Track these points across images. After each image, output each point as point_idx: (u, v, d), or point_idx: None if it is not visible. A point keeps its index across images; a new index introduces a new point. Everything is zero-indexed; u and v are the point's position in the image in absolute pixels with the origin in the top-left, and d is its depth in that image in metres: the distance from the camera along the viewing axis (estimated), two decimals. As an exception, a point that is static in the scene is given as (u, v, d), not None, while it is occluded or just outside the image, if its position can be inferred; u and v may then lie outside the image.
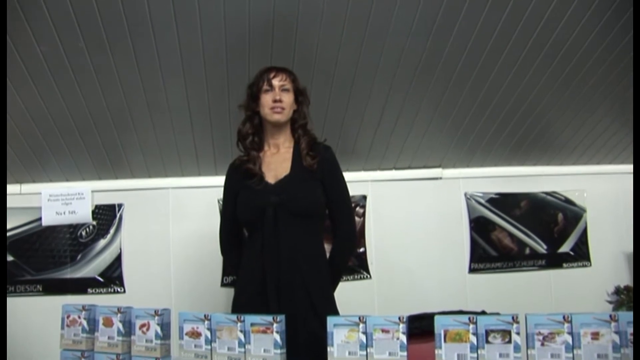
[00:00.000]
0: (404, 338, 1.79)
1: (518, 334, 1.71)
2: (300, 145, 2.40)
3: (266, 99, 2.37)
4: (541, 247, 3.87)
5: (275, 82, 2.38)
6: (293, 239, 2.30)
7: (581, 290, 3.71)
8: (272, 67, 2.44)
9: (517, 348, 1.71)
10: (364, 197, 3.78)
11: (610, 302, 3.02)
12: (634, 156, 3.69)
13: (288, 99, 2.39)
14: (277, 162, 2.41)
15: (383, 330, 1.80)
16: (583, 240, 3.94)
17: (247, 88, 2.45)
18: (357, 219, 3.63)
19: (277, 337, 1.88)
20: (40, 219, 3.64)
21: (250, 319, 1.92)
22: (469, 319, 1.74)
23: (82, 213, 3.66)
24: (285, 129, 2.44)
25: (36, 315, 3.45)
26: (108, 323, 2.16)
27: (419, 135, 3.52)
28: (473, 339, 1.74)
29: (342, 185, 2.44)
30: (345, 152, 3.40)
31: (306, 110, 2.47)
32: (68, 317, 2.22)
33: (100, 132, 3.26)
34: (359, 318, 1.82)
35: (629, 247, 3.84)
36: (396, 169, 3.81)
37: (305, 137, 2.42)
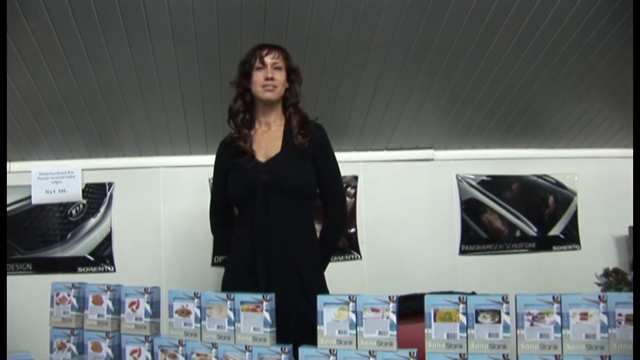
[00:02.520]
0: (393, 317, 1.79)
1: (508, 314, 1.72)
2: (291, 124, 2.39)
3: (258, 77, 2.36)
4: (531, 230, 3.89)
5: (268, 59, 2.37)
6: (283, 217, 2.30)
7: (570, 273, 3.72)
8: (264, 45, 2.42)
9: (506, 328, 1.72)
10: (356, 178, 3.77)
11: (598, 284, 3.03)
12: (633, 153, 3.70)
13: (280, 77, 2.38)
14: (267, 140, 2.40)
15: (373, 310, 1.81)
16: (573, 223, 3.96)
17: (239, 65, 2.44)
18: (348, 199, 3.63)
19: (267, 315, 1.88)
20: (30, 197, 3.62)
21: (240, 297, 1.92)
22: (459, 298, 1.75)
23: (72, 191, 3.64)
24: (276, 107, 2.43)
25: (26, 293, 3.44)
26: (97, 301, 2.15)
27: (412, 117, 3.51)
28: (463, 318, 1.74)
29: (333, 164, 2.44)
30: (337, 132, 3.38)
31: (298, 88, 2.46)
32: (57, 294, 2.22)
33: (90, 110, 3.24)
34: (349, 297, 1.82)
35: (619, 230, 3.87)
36: (388, 149, 3.80)
37: (296, 116, 2.41)
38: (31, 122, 3.28)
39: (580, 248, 3.93)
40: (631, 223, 3.71)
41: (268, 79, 2.34)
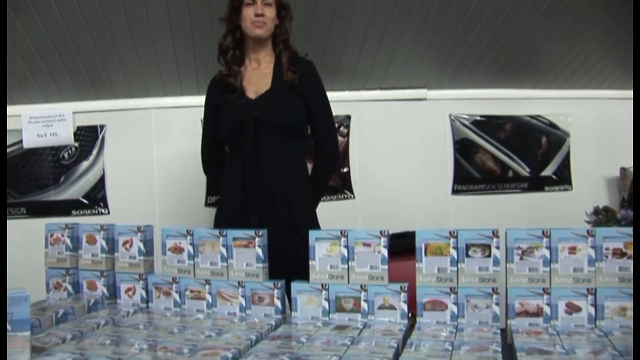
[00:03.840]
0: (385, 252, 1.81)
1: (498, 248, 1.74)
2: (281, 60, 2.37)
3: (248, 13, 2.32)
4: (524, 170, 3.90)
5: (258, -5, 2.33)
6: (274, 154, 2.30)
7: (561, 213, 3.73)
8: None
9: (496, 262, 1.74)
10: (348, 117, 3.76)
11: (588, 222, 3.06)
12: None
13: (270, 13, 2.35)
14: (257, 77, 2.38)
15: (364, 244, 1.82)
16: (565, 164, 3.96)
17: (229, 0, 2.39)
18: (341, 139, 3.63)
19: (259, 251, 1.90)
20: (21, 141, 3.61)
21: (232, 233, 1.94)
22: (450, 232, 1.77)
23: (64, 135, 3.63)
24: (266, 44, 2.41)
25: (21, 237, 3.45)
26: (91, 240, 2.17)
27: (405, 56, 3.47)
28: (453, 252, 1.76)
29: (324, 100, 2.43)
30: (330, 71, 3.35)
31: (288, 25, 2.43)
32: (51, 235, 2.24)
33: (79, 52, 3.19)
34: (341, 232, 1.83)
35: (610, 171, 3.88)
36: (381, 89, 3.77)
37: (286, 52, 2.39)
38: (20, 66, 3.23)
39: (572, 189, 3.95)
40: (623, 164, 3.73)
41: (258, 15, 2.31)
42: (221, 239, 1.95)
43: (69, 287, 2.19)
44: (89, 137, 3.67)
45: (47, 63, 3.25)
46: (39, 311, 1.90)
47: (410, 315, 1.81)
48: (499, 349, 1.49)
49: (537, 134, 3.94)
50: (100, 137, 3.66)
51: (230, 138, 2.39)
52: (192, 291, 2.00)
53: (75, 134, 3.64)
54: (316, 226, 2.36)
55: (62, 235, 2.21)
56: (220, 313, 1.95)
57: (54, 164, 3.65)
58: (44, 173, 3.66)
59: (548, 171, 3.93)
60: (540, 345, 1.50)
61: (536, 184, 3.92)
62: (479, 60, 3.55)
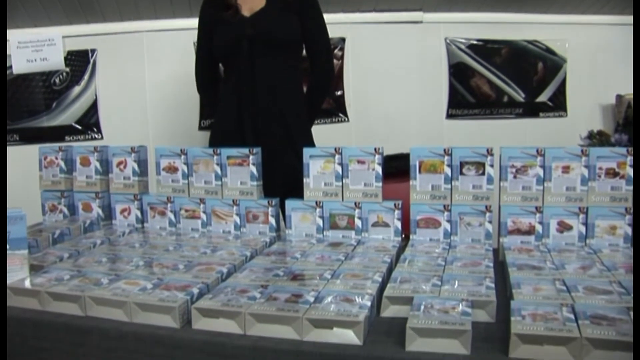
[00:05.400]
0: (379, 169, 1.81)
1: (492, 166, 1.75)
2: (276, -22, 2.32)
3: None
4: (519, 96, 3.88)
5: None
6: (269, 71, 2.28)
7: (556, 140, 3.74)
8: None
9: (490, 180, 1.75)
10: (343, 40, 3.70)
11: (582, 146, 3.07)
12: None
13: None
14: (252, -6, 2.33)
15: (359, 162, 1.83)
16: (561, 90, 3.93)
17: None
18: (335, 61, 3.58)
19: (254, 169, 1.90)
20: (10, 67, 3.54)
21: (226, 151, 1.94)
22: (444, 150, 1.77)
23: (54, 60, 3.57)
24: (260, -40, 2.35)
25: (15, 164, 3.42)
26: (85, 162, 2.17)
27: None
28: (447, 170, 1.77)
29: (320, 18, 2.40)
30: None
31: (283, -58, 2.36)
32: (45, 158, 2.24)
33: (66, -29, 3.11)
34: (335, 149, 1.83)
35: (606, 98, 3.86)
36: (376, 11, 3.69)
37: (281, -31, 2.33)
38: (6, -12, 3.14)
39: (566, 115, 3.94)
40: (619, 91, 3.70)
41: None
42: (215, 157, 1.95)
43: (65, 210, 2.20)
44: (80, 62, 3.61)
45: (34, -16, 3.16)
46: (36, 232, 1.92)
47: (403, 236, 1.83)
48: (491, 264, 1.51)
49: (534, 59, 3.89)
50: (91, 61, 3.61)
51: (225, 56, 2.36)
52: (186, 210, 2.02)
53: (65, 58, 3.58)
54: (311, 143, 2.36)
55: (56, 158, 2.21)
56: (215, 231, 1.98)
57: (45, 89, 3.61)
58: (36, 99, 3.61)
59: (543, 97, 3.91)
60: (531, 262, 1.52)
61: (531, 109, 3.90)
62: (476, -20, 3.47)
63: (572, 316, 1.12)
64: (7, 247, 1.51)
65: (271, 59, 2.28)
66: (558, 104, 3.92)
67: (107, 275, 1.48)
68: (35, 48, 3.55)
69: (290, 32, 2.32)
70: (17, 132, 3.60)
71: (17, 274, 1.51)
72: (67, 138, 3.61)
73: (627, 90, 3.58)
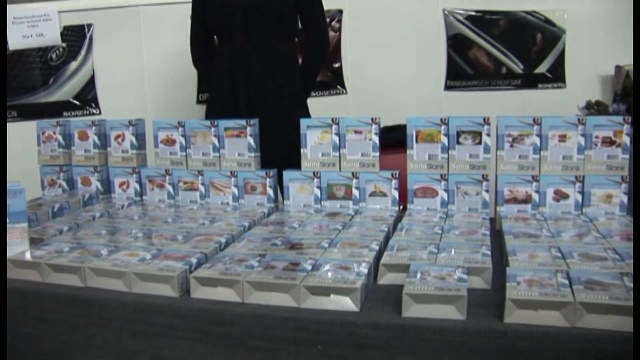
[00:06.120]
0: (376, 139, 1.82)
1: (488, 135, 1.75)
2: (270, -53, 2.30)
3: None
4: (518, 67, 3.86)
5: None
6: (263, 42, 2.28)
7: (554, 111, 3.68)
8: None
9: (486, 149, 1.76)
10: (340, 12, 3.67)
11: (579, 116, 3.07)
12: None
13: None
14: (247, -36, 2.31)
15: (356, 132, 1.83)
16: (560, 61, 3.91)
17: None
18: (332, 33, 3.55)
19: (251, 140, 1.91)
20: (6, 43, 3.52)
21: (223, 123, 1.94)
22: (441, 119, 1.77)
23: (50, 35, 3.54)
24: None
25: (14, 140, 3.41)
26: (83, 136, 2.17)
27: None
28: (444, 139, 1.77)
29: None
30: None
31: None
32: (43, 133, 2.24)
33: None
34: (332, 120, 1.84)
35: (605, 70, 3.84)
36: (374, -18, 3.67)
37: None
38: (0, -39, 3.11)
39: (565, 86, 3.91)
40: (618, 62, 3.69)
41: None
42: (212, 129, 1.95)
43: (64, 184, 2.21)
44: (76, 37, 3.59)
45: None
46: (35, 206, 1.93)
47: (401, 207, 1.84)
48: (488, 233, 1.52)
49: (532, 30, 3.86)
50: (88, 36, 3.58)
51: (220, 27, 2.35)
52: (185, 182, 2.03)
53: (62, 34, 3.55)
54: (307, 114, 2.36)
55: (54, 133, 2.21)
56: (213, 203, 1.99)
57: (42, 65, 3.59)
58: (33, 75, 3.60)
59: (542, 68, 3.89)
60: (528, 230, 1.54)
61: (529, 81, 3.88)
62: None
63: (566, 282, 1.14)
64: (7, 220, 1.52)
65: (266, 30, 2.27)
66: (557, 75, 3.90)
67: (106, 247, 1.49)
68: (31, 23, 3.52)
69: (284, 1, 2.30)
70: (16, 108, 3.59)
71: (18, 246, 1.52)
72: (65, 114, 3.59)
73: (627, 61, 3.56)
